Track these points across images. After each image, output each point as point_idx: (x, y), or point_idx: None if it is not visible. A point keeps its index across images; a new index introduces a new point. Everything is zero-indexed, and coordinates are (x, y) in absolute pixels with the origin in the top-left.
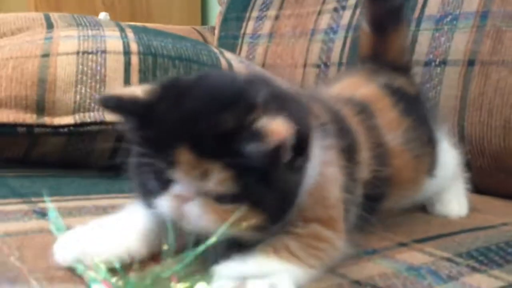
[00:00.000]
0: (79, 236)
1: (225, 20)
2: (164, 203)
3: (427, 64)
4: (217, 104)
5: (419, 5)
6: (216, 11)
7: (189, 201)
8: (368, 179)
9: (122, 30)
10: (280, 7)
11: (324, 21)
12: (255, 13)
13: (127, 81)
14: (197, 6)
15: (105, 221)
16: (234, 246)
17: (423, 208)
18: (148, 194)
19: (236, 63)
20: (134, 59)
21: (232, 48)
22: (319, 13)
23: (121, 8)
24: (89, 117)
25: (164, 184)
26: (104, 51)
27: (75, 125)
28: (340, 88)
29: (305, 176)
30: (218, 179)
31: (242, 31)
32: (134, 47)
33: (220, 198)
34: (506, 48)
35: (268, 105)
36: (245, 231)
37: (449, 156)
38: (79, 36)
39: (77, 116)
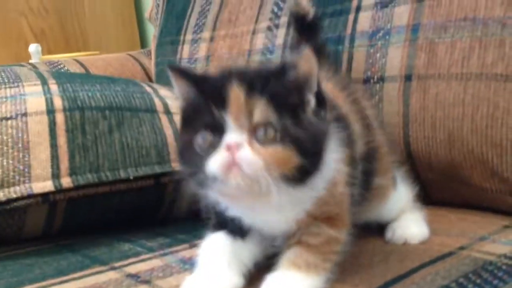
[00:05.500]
0: None
1: (160, 45)
2: (217, 158)
3: (365, 81)
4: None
5: (350, 22)
6: (152, 33)
7: (241, 148)
8: (363, 152)
9: (44, 82)
10: (214, 28)
11: (260, 40)
12: (189, 36)
13: (53, 144)
14: (134, 29)
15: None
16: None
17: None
18: (198, 169)
19: (171, 101)
20: (60, 118)
21: None
22: (253, 32)
23: (53, 37)
24: (14, 192)
25: (216, 138)
26: (25, 114)
27: (0, 203)
28: None
29: (328, 132)
30: (262, 114)
31: (178, 55)
32: (58, 103)
33: (266, 142)
34: (440, 61)
35: None
36: (289, 173)
37: (402, 187)
38: None
39: (1, 193)
